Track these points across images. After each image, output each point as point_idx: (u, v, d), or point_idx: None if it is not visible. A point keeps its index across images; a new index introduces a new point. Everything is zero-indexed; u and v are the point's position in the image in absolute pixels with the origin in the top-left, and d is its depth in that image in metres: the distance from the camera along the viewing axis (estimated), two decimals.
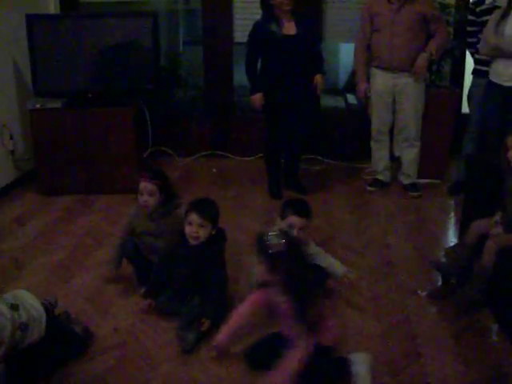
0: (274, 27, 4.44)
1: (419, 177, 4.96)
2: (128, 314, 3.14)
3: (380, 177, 5.01)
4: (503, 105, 4.16)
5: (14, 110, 5.07)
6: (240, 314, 2.71)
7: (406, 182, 4.93)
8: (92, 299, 3.30)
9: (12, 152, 5.00)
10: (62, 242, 4.03)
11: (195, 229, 2.98)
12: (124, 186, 4.76)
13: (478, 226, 3.21)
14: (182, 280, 3.08)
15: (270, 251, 2.39)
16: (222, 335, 2.71)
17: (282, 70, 4.48)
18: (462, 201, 4.09)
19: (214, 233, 3.03)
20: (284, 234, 2.48)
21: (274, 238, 2.40)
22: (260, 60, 4.60)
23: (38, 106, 4.77)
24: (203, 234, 2.99)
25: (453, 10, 4.98)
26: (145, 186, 3.30)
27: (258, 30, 4.53)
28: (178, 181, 5.24)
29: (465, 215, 3.78)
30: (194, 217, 2.98)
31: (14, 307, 2.40)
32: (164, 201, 3.35)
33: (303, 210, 3.14)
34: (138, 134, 4.99)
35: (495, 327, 3.01)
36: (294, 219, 3.07)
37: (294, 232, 3.04)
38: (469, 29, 4.59)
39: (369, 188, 4.98)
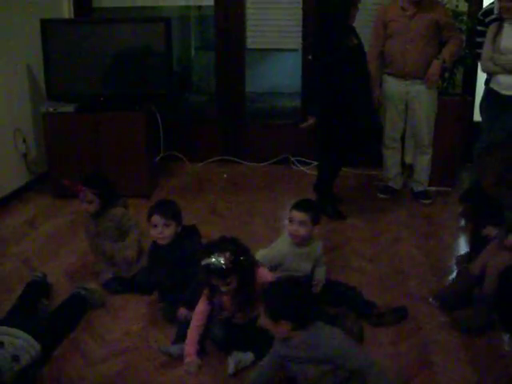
0: (346, 41, 4.29)
1: (430, 184, 4.94)
2: (139, 318, 3.15)
3: (391, 184, 5.00)
4: (501, 113, 4.21)
5: (27, 113, 5.11)
6: (194, 327, 2.82)
7: (418, 189, 4.92)
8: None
9: (25, 155, 5.03)
10: (74, 245, 4.05)
11: (160, 229, 3.08)
12: (136, 189, 4.78)
13: (483, 258, 3.15)
14: (162, 282, 3.16)
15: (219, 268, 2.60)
16: (189, 351, 2.78)
17: (357, 80, 4.34)
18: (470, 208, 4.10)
19: (178, 230, 3.12)
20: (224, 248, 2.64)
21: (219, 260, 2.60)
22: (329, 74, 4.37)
23: (51, 109, 4.81)
24: (169, 232, 3.10)
25: (465, 17, 4.97)
26: (82, 196, 3.47)
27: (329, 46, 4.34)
28: (189, 186, 5.27)
29: (475, 223, 3.77)
30: (156, 218, 3.09)
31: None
32: (104, 204, 3.49)
33: (303, 204, 3.15)
34: (150, 138, 5.02)
35: (506, 336, 3.00)
36: (293, 213, 3.10)
37: (294, 226, 3.08)
38: (478, 40, 4.56)
39: (380, 195, 4.97)
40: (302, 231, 3.10)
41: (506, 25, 4.15)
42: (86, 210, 3.50)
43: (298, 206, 3.13)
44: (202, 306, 2.84)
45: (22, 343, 2.55)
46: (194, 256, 2.93)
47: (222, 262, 2.61)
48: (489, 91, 4.35)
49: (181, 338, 2.86)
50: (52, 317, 3.00)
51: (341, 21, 4.26)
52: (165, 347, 2.87)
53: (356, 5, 4.27)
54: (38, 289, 3.29)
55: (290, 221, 3.11)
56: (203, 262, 2.66)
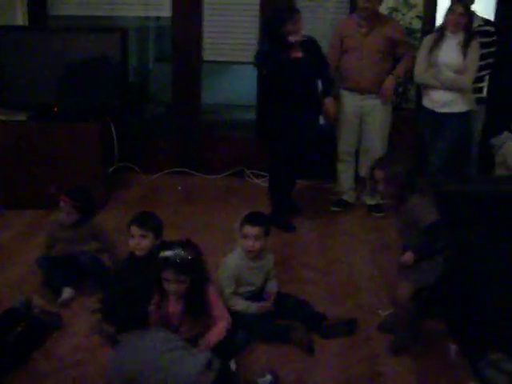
0: (280, 54, 4.37)
1: (383, 198, 5.00)
2: (87, 333, 3.11)
3: (345, 197, 5.05)
4: (436, 130, 4.39)
5: None
6: None
7: (370, 202, 4.98)
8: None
9: None
10: (25, 256, 3.96)
11: (137, 240, 3.10)
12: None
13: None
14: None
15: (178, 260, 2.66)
16: None
17: (290, 93, 4.40)
18: None
19: (158, 243, 3.11)
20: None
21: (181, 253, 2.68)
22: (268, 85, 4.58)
23: (2, 118, 4.73)
24: (145, 244, 3.11)
25: (419, 34, 5.08)
26: (64, 206, 3.55)
27: (263, 58, 4.51)
28: (143, 198, 5.21)
29: None
30: (134, 229, 3.12)
31: None
32: (82, 216, 3.58)
33: (255, 219, 3.15)
34: (104, 149, 4.96)
35: (454, 347, 3.04)
36: (247, 229, 3.10)
37: (250, 242, 3.09)
38: None
39: (333, 208, 5.01)
40: (257, 245, 3.12)
41: (446, 38, 4.31)
42: (63, 220, 3.57)
43: (250, 221, 3.12)
44: (152, 315, 2.81)
45: None
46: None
47: (182, 255, 2.66)
48: (423, 110, 4.51)
49: None
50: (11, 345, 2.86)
51: (275, 34, 4.32)
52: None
53: (293, 20, 4.28)
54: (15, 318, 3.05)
55: (245, 236, 3.11)
56: (161, 255, 2.70)
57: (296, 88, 4.39)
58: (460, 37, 4.33)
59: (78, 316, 3.27)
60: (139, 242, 3.11)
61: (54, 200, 3.64)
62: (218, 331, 2.79)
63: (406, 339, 3.00)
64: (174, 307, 2.78)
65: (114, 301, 3.12)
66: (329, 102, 4.53)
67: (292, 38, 4.27)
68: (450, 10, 4.31)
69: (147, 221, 3.17)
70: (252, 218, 3.15)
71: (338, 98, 4.80)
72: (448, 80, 4.35)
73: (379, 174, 2.95)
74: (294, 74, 4.39)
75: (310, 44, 4.50)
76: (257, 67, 4.66)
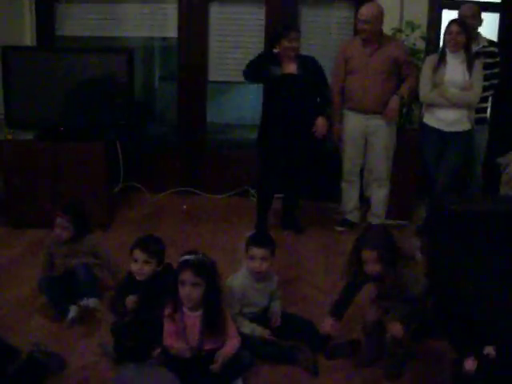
0: (272, 69, 4.52)
1: (387, 217, 5.01)
2: (93, 352, 3.10)
3: (349, 217, 5.05)
4: (442, 149, 4.42)
5: None
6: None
7: (375, 222, 4.98)
8: (57, 336, 3.25)
9: None
10: (28, 275, 3.95)
11: (140, 265, 3.08)
12: (94, 220, 4.67)
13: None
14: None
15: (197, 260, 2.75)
16: None
17: (281, 108, 4.55)
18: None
19: (159, 269, 3.12)
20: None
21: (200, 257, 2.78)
22: (262, 96, 4.77)
23: (9, 137, 4.77)
24: (148, 269, 3.10)
25: (423, 55, 5.11)
26: (59, 221, 3.58)
27: (260, 61, 4.62)
28: (148, 217, 5.23)
29: (430, 256, 3.83)
30: (138, 253, 3.09)
31: None
32: (77, 232, 3.61)
33: (262, 240, 3.16)
34: (109, 169, 4.99)
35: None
36: (253, 250, 3.10)
37: (256, 263, 3.10)
38: None
39: (337, 228, 5.02)
40: (264, 266, 3.13)
41: (448, 58, 4.35)
42: (59, 236, 3.59)
43: (256, 242, 3.13)
44: (168, 327, 2.80)
45: None
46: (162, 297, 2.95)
47: (201, 258, 2.75)
48: (427, 128, 4.52)
49: None
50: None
51: (270, 49, 4.54)
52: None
53: (289, 38, 4.44)
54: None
55: (251, 258, 3.11)
56: (181, 259, 2.76)
57: (288, 103, 4.49)
58: (462, 56, 4.36)
59: (82, 337, 3.27)
60: (142, 267, 3.09)
61: (51, 218, 3.67)
62: (229, 349, 2.78)
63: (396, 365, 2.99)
64: (190, 320, 2.77)
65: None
66: (320, 121, 4.62)
67: (275, 50, 4.46)
68: (447, 31, 4.35)
69: (152, 246, 3.14)
70: (258, 240, 3.16)
71: (341, 119, 4.85)
72: (455, 97, 4.37)
73: (368, 254, 2.90)
74: (287, 90, 4.51)
75: (309, 63, 4.60)
76: (245, 77, 4.76)
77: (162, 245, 3.21)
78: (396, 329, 2.88)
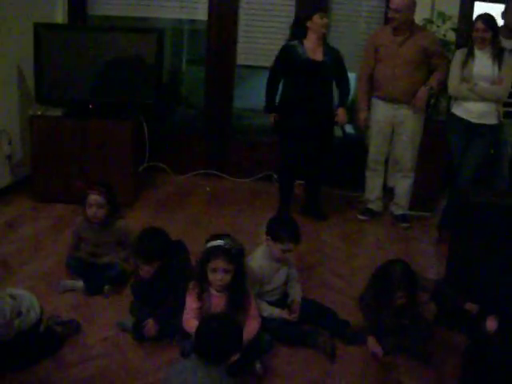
0: (300, 50, 4.53)
1: (411, 208, 5.00)
2: (113, 325, 3.15)
3: (372, 206, 5.05)
4: (468, 141, 4.44)
5: (15, 115, 5.10)
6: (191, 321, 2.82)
7: (397, 212, 4.98)
8: (79, 308, 3.32)
9: (9, 157, 5.02)
10: (53, 249, 4.04)
11: (144, 270, 3.06)
12: (119, 198, 4.75)
13: None
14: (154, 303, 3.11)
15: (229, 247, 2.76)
16: None
17: (304, 94, 4.56)
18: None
19: (165, 261, 3.07)
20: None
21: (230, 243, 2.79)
22: (282, 81, 4.71)
23: (38, 112, 4.83)
24: (153, 269, 3.06)
25: (453, 46, 5.07)
26: (95, 198, 3.52)
27: (285, 51, 4.62)
28: (172, 197, 5.28)
29: (452, 249, 3.82)
30: (139, 261, 3.08)
31: (13, 297, 2.77)
32: (110, 212, 3.56)
33: (299, 236, 3.17)
34: (136, 148, 5.04)
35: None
36: (291, 246, 3.14)
37: (285, 254, 3.15)
38: None
39: (360, 217, 5.02)
40: (288, 255, 3.20)
41: (478, 53, 4.32)
42: (95, 215, 3.53)
43: (296, 239, 3.14)
44: (192, 303, 2.85)
45: (27, 304, 2.80)
46: (181, 276, 3.00)
47: (232, 244, 2.75)
48: (455, 118, 4.49)
49: None
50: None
51: (301, 26, 4.56)
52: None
53: (320, 14, 4.49)
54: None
55: (285, 251, 3.13)
56: (209, 245, 2.76)
57: (312, 89, 4.52)
58: (489, 51, 4.32)
59: (104, 309, 3.33)
60: (148, 270, 3.06)
61: (80, 195, 3.66)
62: (250, 330, 2.81)
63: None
64: (216, 299, 2.81)
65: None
66: (341, 111, 4.69)
67: (308, 24, 4.51)
68: (475, 28, 4.31)
69: (151, 251, 3.05)
70: (298, 236, 3.15)
71: (368, 107, 4.84)
72: (484, 91, 4.33)
73: (401, 293, 3.02)
74: (312, 75, 4.53)
75: (334, 53, 4.64)
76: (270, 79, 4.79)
77: (160, 243, 3.10)
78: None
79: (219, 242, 2.77)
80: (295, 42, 4.58)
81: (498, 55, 4.31)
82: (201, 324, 2.44)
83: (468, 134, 4.47)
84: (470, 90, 4.35)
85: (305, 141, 4.66)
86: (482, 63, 4.33)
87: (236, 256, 2.77)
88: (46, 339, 2.91)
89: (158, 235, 3.15)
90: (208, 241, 2.83)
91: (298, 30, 4.59)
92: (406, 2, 4.50)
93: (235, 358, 2.36)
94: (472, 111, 4.41)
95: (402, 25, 4.54)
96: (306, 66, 4.53)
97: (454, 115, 4.53)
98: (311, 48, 4.55)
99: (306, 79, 4.54)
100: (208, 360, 2.31)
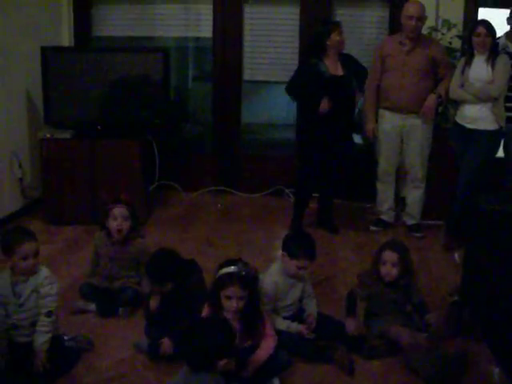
0: (322, 67, 4.53)
1: (423, 218, 4.98)
2: (128, 346, 3.14)
3: (384, 217, 5.03)
4: (465, 145, 4.48)
5: (25, 138, 5.14)
6: None
7: (410, 222, 4.95)
8: (94, 329, 3.30)
9: (20, 180, 5.05)
10: (66, 271, 4.03)
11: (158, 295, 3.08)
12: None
13: None
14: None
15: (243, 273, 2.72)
16: None
17: (329, 110, 4.52)
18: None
19: (178, 281, 3.06)
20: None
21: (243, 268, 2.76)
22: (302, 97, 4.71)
23: (48, 135, 4.85)
24: (166, 290, 3.06)
25: (459, 54, 5.06)
26: (120, 211, 3.50)
27: (306, 69, 4.63)
28: (183, 215, 5.28)
29: (467, 257, 3.79)
30: (151, 284, 3.10)
31: None
32: (132, 227, 3.54)
33: (315, 253, 3.16)
34: (146, 167, 5.05)
35: (497, 370, 3.00)
36: (307, 263, 3.12)
37: (303, 272, 3.13)
38: None
39: (372, 227, 5.00)
40: (305, 272, 3.19)
41: (475, 58, 4.35)
42: (120, 227, 3.49)
43: (311, 256, 3.14)
44: None
45: None
46: (196, 296, 2.99)
47: (245, 271, 2.72)
48: (455, 124, 4.52)
49: None
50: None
51: (320, 45, 4.55)
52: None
53: (339, 30, 4.54)
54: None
55: (300, 268, 3.11)
56: (222, 272, 2.73)
57: (334, 105, 4.48)
58: (487, 54, 4.33)
59: (119, 329, 3.32)
60: (160, 290, 3.07)
61: (100, 212, 3.67)
62: (266, 349, 2.79)
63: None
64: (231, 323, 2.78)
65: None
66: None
67: (328, 43, 4.54)
68: (475, 33, 4.31)
69: (163, 274, 3.06)
70: (313, 253, 3.15)
71: (376, 118, 4.83)
72: (477, 90, 4.33)
73: (390, 255, 3.19)
74: (334, 91, 4.50)
75: (349, 60, 4.65)
76: (289, 95, 4.76)
77: (172, 264, 3.09)
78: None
79: (232, 269, 2.74)
80: (315, 60, 4.56)
81: (494, 57, 4.31)
82: (184, 330, 2.45)
83: (464, 140, 4.47)
84: (466, 90, 4.35)
85: (326, 155, 4.66)
86: (478, 66, 4.35)
87: (249, 282, 2.75)
88: (60, 354, 2.90)
89: (170, 257, 3.13)
90: (220, 267, 2.79)
91: (317, 48, 4.58)
92: (424, 10, 4.54)
93: (226, 363, 2.34)
94: (466, 116, 4.42)
95: (416, 34, 4.56)
96: (330, 83, 4.52)
97: (455, 122, 4.55)
98: (332, 65, 4.56)
99: (330, 95, 4.51)
100: (195, 366, 2.30)
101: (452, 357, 2.94)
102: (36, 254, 2.88)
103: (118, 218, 3.50)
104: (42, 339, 2.80)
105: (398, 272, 3.18)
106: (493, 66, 4.31)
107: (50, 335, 2.84)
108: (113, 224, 3.51)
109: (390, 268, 3.18)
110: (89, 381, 2.84)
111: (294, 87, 4.68)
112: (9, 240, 2.86)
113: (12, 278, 2.86)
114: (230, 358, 2.39)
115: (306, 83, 4.58)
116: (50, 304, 2.87)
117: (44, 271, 2.94)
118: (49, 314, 2.85)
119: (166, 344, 2.97)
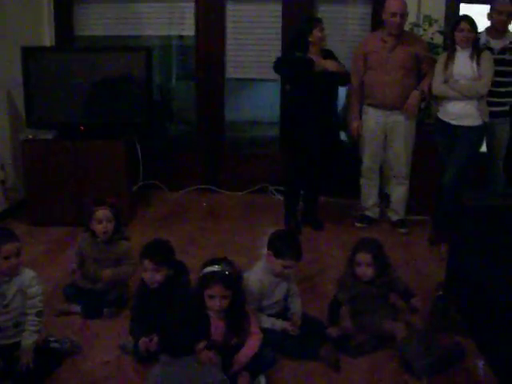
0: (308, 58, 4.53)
1: (408, 213, 4.99)
2: (114, 348, 3.12)
3: (369, 213, 5.04)
4: (451, 143, 4.49)
5: (6, 140, 5.09)
6: None
7: (395, 218, 4.97)
8: (78, 332, 3.28)
9: (2, 182, 5.01)
10: (49, 273, 4.00)
11: (150, 274, 3.05)
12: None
13: None
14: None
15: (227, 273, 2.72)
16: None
17: (313, 104, 4.55)
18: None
19: (171, 272, 3.08)
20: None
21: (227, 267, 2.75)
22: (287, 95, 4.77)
23: (30, 136, 4.82)
24: (160, 277, 3.06)
25: (440, 49, 5.08)
26: (104, 213, 3.51)
27: (291, 58, 4.63)
28: (168, 215, 5.26)
29: (451, 252, 3.81)
30: (147, 263, 3.05)
31: None
32: (116, 229, 3.55)
33: (300, 253, 3.16)
34: (129, 167, 5.03)
35: (482, 363, 3.01)
36: (292, 262, 3.11)
37: (289, 271, 3.12)
38: None
39: (357, 224, 5.01)
40: (290, 271, 3.18)
41: (458, 54, 4.37)
42: (105, 230, 3.50)
43: (296, 256, 3.13)
44: None
45: None
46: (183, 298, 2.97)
47: (229, 270, 2.71)
48: (439, 121, 4.53)
49: None
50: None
51: (302, 42, 4.56)
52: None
53: (320, 27, 4.55)
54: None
55: (286, 267, 3.10)
56: (205, 271, 2.73)
57: (319, 99, 4.52)
58: (469, 50, 4.35)
59: (105, 330, 3.30)
60: (153, 276, 3.05)
61: (85, 214, 3.64)
62: (251, 347, 2.79)
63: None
64: (215, 322, 2.75)
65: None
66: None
67: (310, 39, 4.54)
68: (458, 29, 4.33)
69: (160, 254, 3.08)
70: (299, 253, 3.14)
71: (360, 115, 4.84)
72: (464, 87, 4.34)
73: (363, 256, 3.18)
74: (318, 86, 4.52)
75: (330, 56, 4.65)
76: (276, 71, 4.75)
77: (170, 249, 3.17)
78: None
79: (216, 268, 2.74)
80: (300, 54, 4.55)
81: (478, 54, 4.33)
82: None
83: (450, 137, 4.50)
84: (451, 87, 4.36)
85: (312, 151, 4.67)
86: (462, 63, 4.36)
87: (233, 281, 2.74)
88: (43, 356, 2.89)
89: (168, 244, 3.20)
90: (204, 266, 2.79)
91: (300, 44, 4.57)
92: (406, 6, 4.57)
93: (203, 347, 2.42)
94: (450, 113, 4.44)
95: (399, 30, 4.56)
96: (312, 78, 4.51)
97: (437, 118, 4.57)
98: (315, 60, 4.55)
99: (314, 90, 4.53)
100: (173, 351, 2.37)
101: (447, 349, 2.97)
102: (18, 254, 2.87)
103: (103, 220, 3.51)
104: (31, 338, 2.83)
105: (374, 271, 3.18)
106: (478, 63, 4.33)
107: (38, 335, 2.86)
108: (98, 226, 3.52)
109: (365, 269, 3.18)
110: (74, 383, 2.82)
111: (283, 64, 4.67)
112: None
113: None
114: (208, 343, 2.45)
115: (294, 62, 4.58)
116: (39, 304, 2.90)
117: (29, 272, 2.95)
118: (39, 314, 2.89)
119: (155, 340, 2.94)
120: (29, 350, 2.81)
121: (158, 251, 3.10)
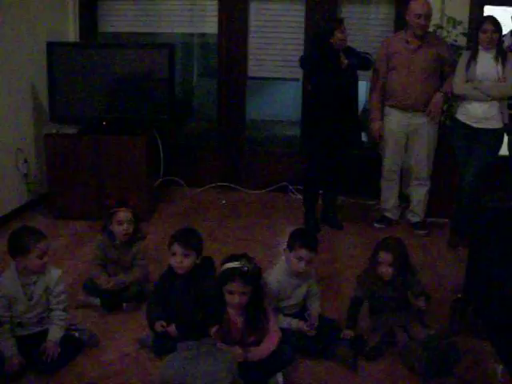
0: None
1: (427, 215, 4.98)
2: (132, 341, 3.16)
3: (388, 214, 5.03)
4: (470, 146, 4.44)
5: (30, 134, 5.15)
6: None
7: (414, 220, 4.95)
8: (98, 325, 3.32)
9: (25, 175, 5.06)
10: (70, 266, 4.05)
11: (179, 259, 3.05)
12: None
13: None
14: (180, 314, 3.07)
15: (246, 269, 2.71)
16: None
17: (331, 103, 4.55)
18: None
19: (198, 261, 3.10)
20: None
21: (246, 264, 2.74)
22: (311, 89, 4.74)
23: (53, 130, 4.88)
24: (187, 263, 3.07)
25: (464, 51, 5.04)
26: (125, 215, 3.50)
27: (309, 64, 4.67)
28: (188, 211, 5.29)
29: (471, 255, 3.80)
30: (176, 247, 3.06)
31: None
32: (135, 230, 3.57)
33: (313, 243, 3.15)
34: (150, 163, 5.06)
35: (501, 367, 3.00)
36: (303, 252, 3.09)
37: (302, 264, 3.09)
38: None
39: (377, 225, 5.00)
40: (309, 267, 3.17)
41: (480, 54, 4.32)
42: (126, 231, 3.51)
43: (308, 245, 3.11)
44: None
45: None
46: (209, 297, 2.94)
47: (248, 266, 2.71)
48: (457, 123, 4.48)
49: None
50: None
51: (324, 43, 4.50)
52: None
53: (341, 28, 4.49)
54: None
55: (299, 258, 3.10)
56: (226, 266, 2.74)
57: (338, 99, 4.52)
58: (493, 51, 4.31)
59: (124, 324, 3.34)
60: (182, 260, 3.05)
61: (105, 213, 3.63)
62: (268, 346, 2.80)
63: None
64: (234, 318, 2.78)
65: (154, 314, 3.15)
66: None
67: (332, 41, 4.48)
68: (482, 29, 4.29)
69: (190, 239, 3.11)
70: (310, 243, 3.14)
71: (382, 116, 4.82)
72: (489, 88, 4.30)
73: (385, 255, 3.16)
74: (341, 84, 4.53)
75: (348, 52, 4.61)
76: (303, 68, 4.82)
77: (199, 237, 3.18)
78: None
79: (235, 264, 2.74)
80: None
81: (503, 55, 4.30)
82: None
83: (469, 139, 4.44)
84: (476, 87, 4.32)
85: (332, 151, 4.68)
86: (486, 64, 4.32)
87: (252, 277, 2.74)
88: (63, 343, 2.95)
89: (197, 232, 3.23)
90: (224, 262, 2.79)
91: (321, 44, 4.55)
92: (431, 7, 4.54)
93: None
94: (472, 115, 4.38)
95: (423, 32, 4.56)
96: (335, 75, 4.51)
97: (456, 120, 4.52)
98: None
99: (338, 88, 4.53)
100: (190, 334, 2.46)
101: (443, 349, 2.96)
102: (47, 252, 2.93)
103: (124, 222, 3.51)
104: (59, 332, 2.94)
105: (394, 270, 3.16)
106: (503, 65, 4.29)
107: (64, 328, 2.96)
108: (119, 228, 3.52)
109: (386, 268, 3.16)
110: (93, 375, 2.86)
111: (309, 59, 4.69)
112: (23, 240, 2.88)
113: (22, 280, 2.90)
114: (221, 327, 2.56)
115: (319, 57, 4.58)
116: (66, 300, 3.02)
117: (55, 271, 3.02)
118: (65, 309, 3.00)
119: (173, 328, 2.99)
120: (56, 343, 2.89)
121: (188, 236, 3.13)
